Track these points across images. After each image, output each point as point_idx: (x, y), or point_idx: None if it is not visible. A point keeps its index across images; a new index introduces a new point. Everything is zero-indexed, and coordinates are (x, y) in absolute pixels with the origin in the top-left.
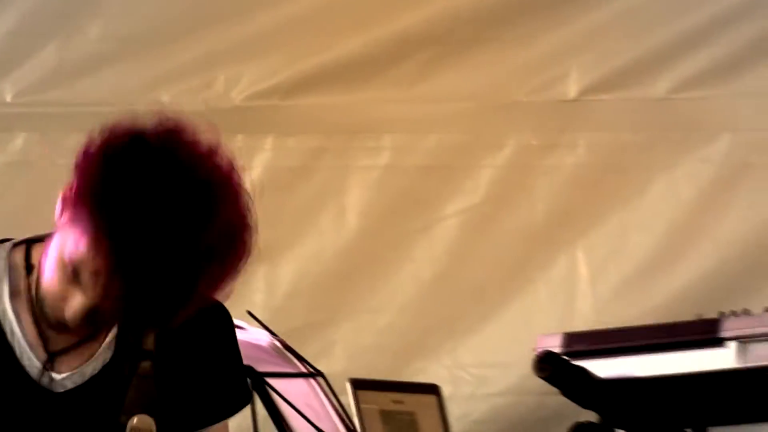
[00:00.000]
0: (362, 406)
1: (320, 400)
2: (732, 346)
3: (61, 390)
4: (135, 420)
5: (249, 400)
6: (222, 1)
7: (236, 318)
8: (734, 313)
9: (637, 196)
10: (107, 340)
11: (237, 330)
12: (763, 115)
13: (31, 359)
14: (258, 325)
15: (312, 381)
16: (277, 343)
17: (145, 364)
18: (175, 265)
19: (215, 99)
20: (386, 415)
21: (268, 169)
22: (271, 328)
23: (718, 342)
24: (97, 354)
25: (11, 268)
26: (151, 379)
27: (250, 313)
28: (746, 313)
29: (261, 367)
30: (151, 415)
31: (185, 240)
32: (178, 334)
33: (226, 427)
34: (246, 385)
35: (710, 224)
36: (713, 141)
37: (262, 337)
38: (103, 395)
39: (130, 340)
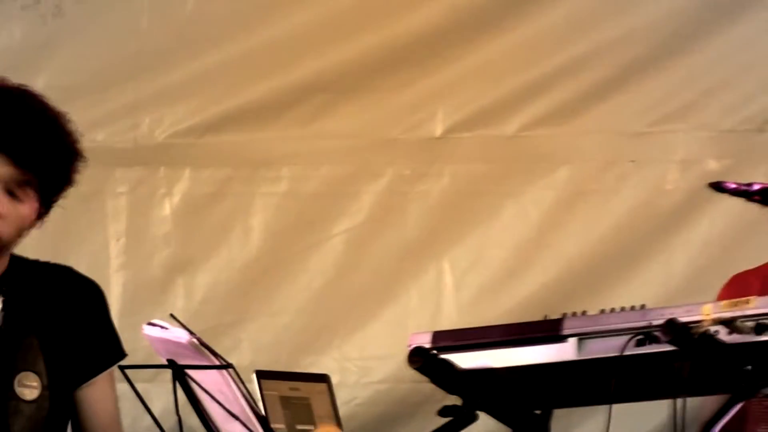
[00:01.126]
0: (265, 392)
1: (231, 387)
2: (572, 341)
3: None
4: (23, 378)
5: (122, 356)
6: (145, 56)
7: (161, 320)
8: (574, 314)
9: (493, 217)
10: None
11: (161, 329)
12: (596, 150)
13: None
14: (179, 325)
15: (224, 372)
16: (195, 341)
17: (31, 336)
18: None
19: (142, 137)
20: (285, 400)
21: (185, 195)
22: (189, 327)
23: (560, 338)
24: None
25: None
26: (37, 347)
27: (172, 316)
28: (584, 314)
29: (181, 361)
30: (39, 376)
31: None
32: (56, 309)
33: (110, 379)
34: (119, 344)
35: (553, 241)
36: (554, 171)
37: (182, 336)
38: None
39: (15, 313)
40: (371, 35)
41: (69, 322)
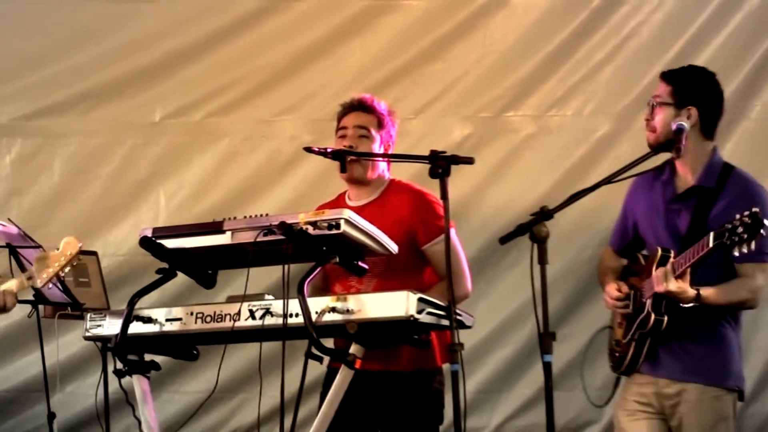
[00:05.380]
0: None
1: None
2: (228, 233)
3: None
4: None
5: None
6: None
7: (3, 221)
8: (229, 219)
9: (188, 166)
10: None
11: (2, 226)
12: (245, 129)
13: None
14: (13, 225)
15: (39, 250)
16: (22, 232)
17: None
18: None
19: None
20: (74, 266)
21: (18, 154)
22: (19, 226)
23: (222, 232)
24: None
25: None
26: None
27: (9, 219)
28: (235, 218)
29: (15, 244)
30: None
31: None
32: None
33: None
34: None
35: (222, 178)
36: (220, 141)
37: (15, 230)
38: None
39: None
40: (121, 64)
41: None
